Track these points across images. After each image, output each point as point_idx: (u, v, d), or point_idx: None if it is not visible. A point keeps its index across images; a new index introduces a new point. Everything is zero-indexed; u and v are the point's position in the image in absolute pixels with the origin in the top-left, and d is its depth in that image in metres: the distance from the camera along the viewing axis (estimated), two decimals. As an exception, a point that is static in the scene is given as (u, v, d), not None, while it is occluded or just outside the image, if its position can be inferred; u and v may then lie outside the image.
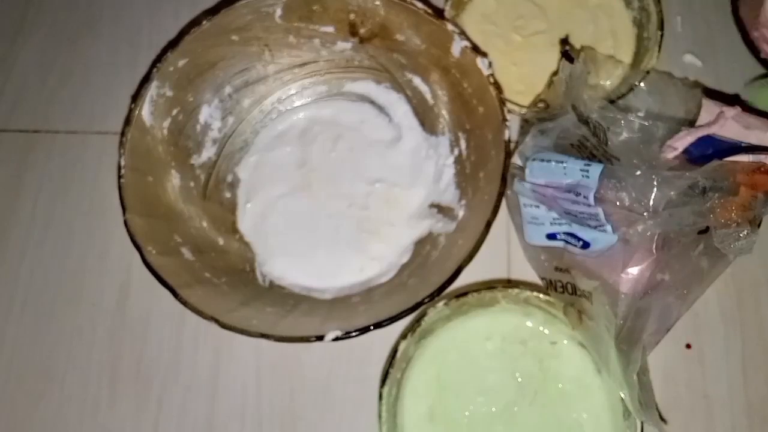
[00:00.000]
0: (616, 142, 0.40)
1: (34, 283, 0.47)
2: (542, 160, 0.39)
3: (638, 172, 0.35)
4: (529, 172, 0.40)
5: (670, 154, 0.39)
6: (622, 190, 0.35)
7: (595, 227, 0.38)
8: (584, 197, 0.37)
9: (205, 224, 0.46)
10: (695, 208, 0.35)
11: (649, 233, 0.36)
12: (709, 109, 0.41)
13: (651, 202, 0.35)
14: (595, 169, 0.36)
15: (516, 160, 0.42)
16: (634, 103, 0.44)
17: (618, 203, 0.36)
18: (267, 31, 0.46)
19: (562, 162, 0.38)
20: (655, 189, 0.35)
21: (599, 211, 0.37)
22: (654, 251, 0.37)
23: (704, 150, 0.40)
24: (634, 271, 0.38)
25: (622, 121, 0.40)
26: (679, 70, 0.50)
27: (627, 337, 0.37)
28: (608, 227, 0.38)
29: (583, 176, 0.37)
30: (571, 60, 0.43)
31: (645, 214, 0.35)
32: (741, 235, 0.35)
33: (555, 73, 0.47)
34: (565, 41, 0.49)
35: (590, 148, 0.40)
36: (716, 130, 0.40)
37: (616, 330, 0.37)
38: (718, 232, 0.35)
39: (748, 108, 0.42)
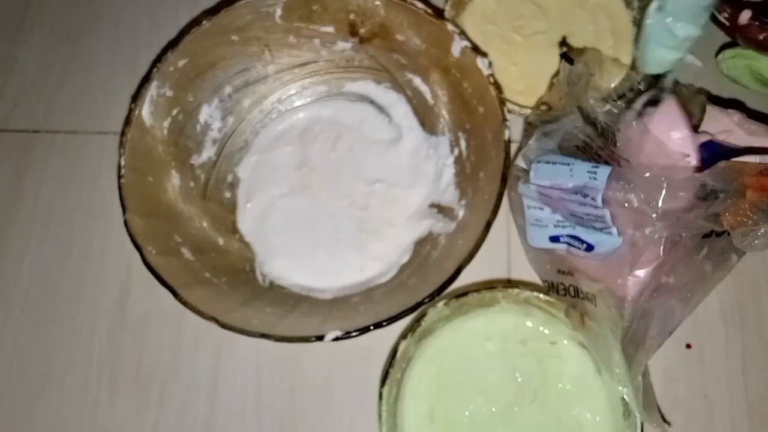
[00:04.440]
0: (625, 144, 0.40)
1: (34, 283, 0.47)
2: (547, 162, 0.39)
3: (647, 174, 0.35)
4: (533, 174, 0.40)
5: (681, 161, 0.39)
6: (631, 191, 0.35)
7: (601, 229, 0.38)
8: (591, 199, 0.37)
9: (205, 224, 0.46)
10: (703, 212, 0.35)
11: (656, 236, 0.36)
12: (713, 115, 0.41)
13: (660, 204, 0.35)
14: (603, 171, 0.36)
15: (520, 162, 0.42)
16: (635, 106, 0.44)
17: (626, 205, 0.36)
18: (267, 31, 0.46)
19: (568, 164, 0.38)
20: (664, 191, 0.35)
21: (606, 213, 0.37)
22: (662, 254, 0.37)
23: (708, 155, 0.39)
24: (640, 273, 0.38)
25: (634, 123, 0.40)
26: (679, 70, 0.50)
27: (631, 340, 0.37)
28: (614, 229, 0.38)
29: (590, 178, 0.37)
30: (570, 61, 0.43)
31: (654, 216, 0.35)
32: (759, 233, 0.35)
33: (556, 75, 0.47)
34: (564, 43, 0.49)
35: (596, 149, 0.40)
36: (720, 137, 0.40)
37: (623, 332, 0.37)
38: (736, 232, 0.35)
39: (752, 114, 0.42)
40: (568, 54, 0.43)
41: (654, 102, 0.40)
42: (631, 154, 0.38)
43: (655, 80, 0.45)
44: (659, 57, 0.44)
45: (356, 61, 0.49)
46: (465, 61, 0.43)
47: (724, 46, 0.49)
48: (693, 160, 0.38)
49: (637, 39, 0.48)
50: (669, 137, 0.38)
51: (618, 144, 0.39)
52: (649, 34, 0.44)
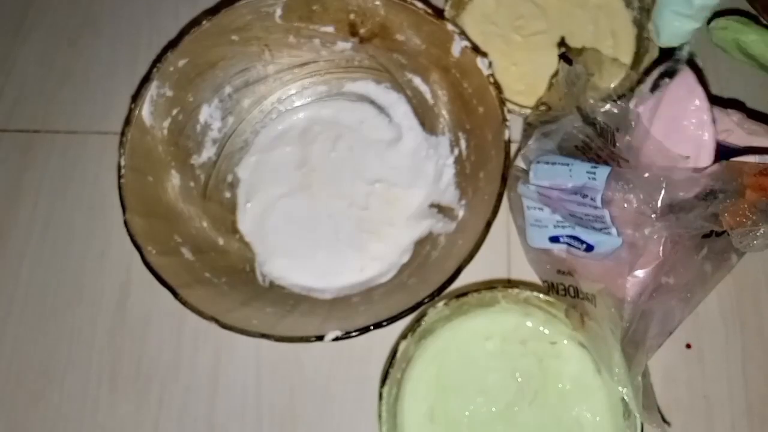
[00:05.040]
0: (624, 144, 0.40)
1: (34, 283, 0.47)
2: (547, 163, 0.39)
3: (646, 174, 0.35)
4: (533, 175, 0.40)
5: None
6: (630, 192, 0.35)
7: (600, 230, 0.38)
8: (591, 199, 0.37)
9: (205, 224, 0.46)
10: (702, 212, 0.35)
11: (656, 236, 0.36)
12: (713, 115, 0.41)
13: (659, 204, 0.35)
14: (603, 171, 0.36)
15: (519, 163, 0.42)
16: (650, 77, 0.43)
17: (626, 205, 0.36)
18: (267, 31, 0.46)
19: (567, 164, 0.38)
20: (663, 191, 0.35)
21: (605, 213, 0.37)
22: (661, 254, 0.37)
23: None
24: (640, 274, 0.38)
25: (633, 122, 0.40)
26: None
27: (631, 340, 0.37)
28: (613, 230, 0.38)
29: (589, 178, 0.37)
30: (569, 62, 0.43)
31: (653, 216, 0.35)
32: (758, 233, 0.35)
33: (555, 75, 0.47)
34: (562, 43, 0.49)
35: (595, 149, 0.40)
36: (720, 136, 0.40)
37: (623, 333, 0.37)
38: (735, 232, 0.35)
39: (752, 113, 0.42)
40: (567, 54, 0.43)
41: (669, 74, 0.40)
42: (631, 155, 0.38)
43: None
44: (675, 27, 0.43)
45: (356, 61, 0.49)
46: (465, 61, 0.43)
47: (717, 15, 0.49)
48: (707, 134, 0.38)
49: (638, 39, 0.48)
50: (685, 108, 0.38)
51: (617, 144, 0.39)
52: (664, 2, 0.42)
